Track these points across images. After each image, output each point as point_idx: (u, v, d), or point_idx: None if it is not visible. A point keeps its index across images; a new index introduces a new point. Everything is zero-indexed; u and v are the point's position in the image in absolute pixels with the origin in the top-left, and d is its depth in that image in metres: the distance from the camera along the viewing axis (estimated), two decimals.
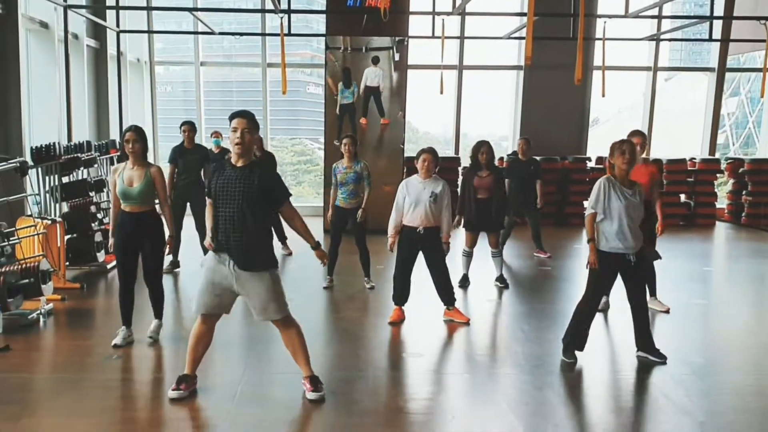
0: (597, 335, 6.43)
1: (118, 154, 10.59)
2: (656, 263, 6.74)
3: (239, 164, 4.32)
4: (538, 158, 9.81)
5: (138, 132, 5.58)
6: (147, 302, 5.92)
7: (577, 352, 5.43)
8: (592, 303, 5.44)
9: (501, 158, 13.69)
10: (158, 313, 5.90)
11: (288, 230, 6.06)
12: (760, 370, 5.51)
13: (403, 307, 6.57)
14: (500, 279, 8.00)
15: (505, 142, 14.81)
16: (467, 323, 6.45)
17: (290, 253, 9.54)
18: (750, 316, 7.21)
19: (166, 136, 14.73)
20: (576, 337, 5.43)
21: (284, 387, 4.84)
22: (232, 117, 4.28)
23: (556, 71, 12.66)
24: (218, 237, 4.36)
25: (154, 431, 4.22)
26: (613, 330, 6.46)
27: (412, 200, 6.23)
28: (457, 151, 13.93)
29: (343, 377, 5.05)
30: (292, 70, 14.64)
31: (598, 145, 13.95)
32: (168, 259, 7.90)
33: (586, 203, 12.79)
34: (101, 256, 8.50)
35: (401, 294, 6.54)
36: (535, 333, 6.26)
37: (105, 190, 9.26)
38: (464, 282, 7.92)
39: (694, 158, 13.84)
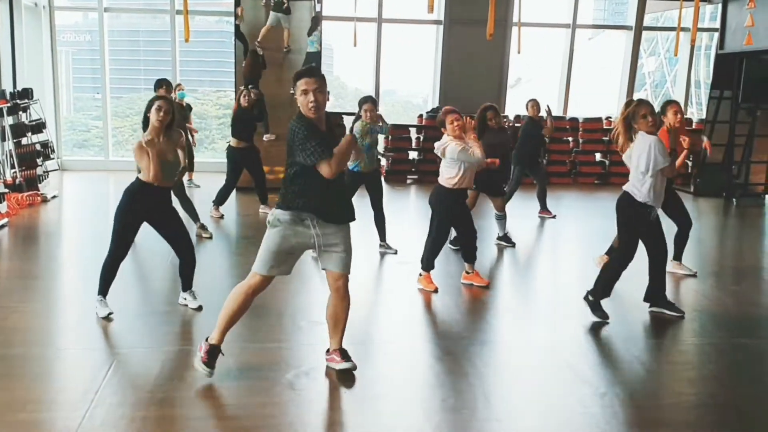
0: (517, 303, 6.30)
1: (8, 105, 9.91)
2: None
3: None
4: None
5: (170, 102, 5.13)
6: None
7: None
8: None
9: (420, 115, 13.45)
10: (190, 284, 5.47)
11: None
12: (669, 335, 5.44)
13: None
14: (505, 238, 7.96)
15: (416, 98, 14.54)
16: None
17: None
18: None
19: (70, 86, 13.93)
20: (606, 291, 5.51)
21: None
22: (301, 76, 3.96)
23: (475, 27, 12.35)
24: (300, 198, 4.03)
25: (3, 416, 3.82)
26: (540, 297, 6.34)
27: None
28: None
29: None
30: (205, 18, 14.01)
31: (517, 105, 13.82)
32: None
33: None
34: None
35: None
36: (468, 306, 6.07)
37: None
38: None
39: (610, 117, 13.87)
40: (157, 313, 5.46)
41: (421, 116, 13.40)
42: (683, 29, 11.21)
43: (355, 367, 4.34)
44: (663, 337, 5.39)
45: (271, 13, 11.54)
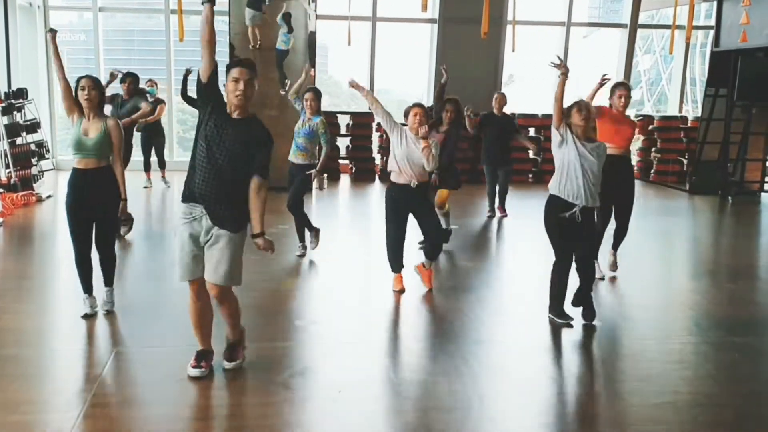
0: (511, 303, 6.30)
1: (3, 105, 9.89)
2: None
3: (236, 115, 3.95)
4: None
5: (94, 80, 5.07)
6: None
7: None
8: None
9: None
10: (110, 280, 5.33)
11: None
12: (664, 334, 5.44)
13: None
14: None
15: (411, 97, 14.49)
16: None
17: None
18: (655, 276, 7.20)
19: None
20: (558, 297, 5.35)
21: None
22: (236, 65, 3.91)
23: (469, 25, 12.32)
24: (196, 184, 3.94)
25: None
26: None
27: (403, 152, 5.73)
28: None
29: None
30: (199, 17, 13.96)
31: (512, 103, 13.78)
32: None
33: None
34: None
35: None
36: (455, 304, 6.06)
37: None
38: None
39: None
40: (151, 311, 5.44)
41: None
42: (678, 27, 11.20)
43: (240, 367, 4.30)
44: (658, 336, 5.38)
45: (247, 10, 11.28)
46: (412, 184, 5.75)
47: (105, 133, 5.02)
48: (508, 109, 13.47)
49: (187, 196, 3.98)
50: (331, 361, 4.67)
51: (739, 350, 5.06)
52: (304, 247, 7.19)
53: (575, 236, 5.19)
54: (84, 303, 5.19)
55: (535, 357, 4.86)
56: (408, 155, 5.70)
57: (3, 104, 9.85)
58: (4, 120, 9.96)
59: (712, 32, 13.13)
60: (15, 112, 10.38)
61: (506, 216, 9.47)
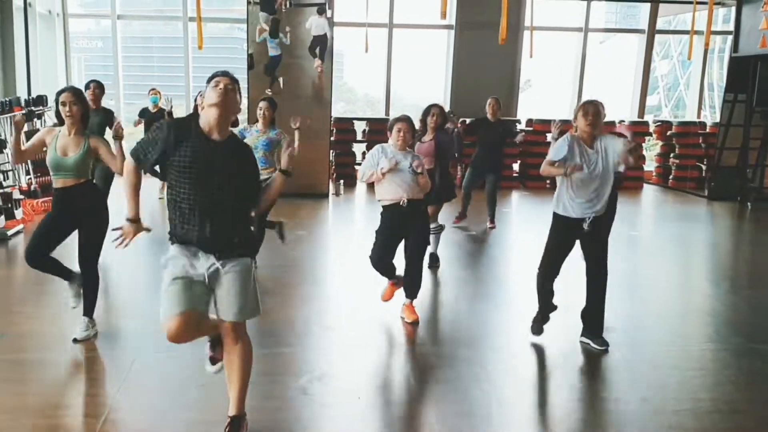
0: (530, 309, 6.29)
1: (24, 112, 9.98)
2: None
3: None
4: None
5: (75, 93, 4.70)
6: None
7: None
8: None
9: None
10: (90, 309, 4.97)
11: None
12: (683, 341, 5.41)
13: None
14: (432, 257, 7.00)
15: (427, 103, 14.48)
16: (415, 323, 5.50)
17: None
18: (674, 282, 7.16)
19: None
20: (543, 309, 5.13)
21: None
22: (213, 77, 3.40)
23: (486, 31, 12.32)
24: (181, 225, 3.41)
25: (20, 420, 3.84)
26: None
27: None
28: (387, 112, 13.59)
29: None
30: (218, 25, 14.08)
31: (529, 108, 13.81)
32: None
33: (516, 166, 12.71)
34: (1, 221, 7.97)
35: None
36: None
37: (5, 151, 8.66)
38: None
39: (623, 120, 13.81)
40: None
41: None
42: (696, 32, 11.14)
43: None
44: (677, 342, 5.35)
45: (261, 14, 11.38)
46: (401, 203, 5.26)
47: (86, 152, 4.71)
48: (523, 115, 13.59)
49: (182, 240, 3.44)
50: (349, 367, 4.68)
51: (759, 357, 5.02)
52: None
53: (586, 240, 4.96)
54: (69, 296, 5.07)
55: (553, 363, 4.85)
56: (393, 173, 5.20)
57: (23, 111, 9.94)
58: (25, 127, 10.04)
59: (730, 37, 13.04)
60: (35, 119, 10.48)
61: (494, 227, 9.05)
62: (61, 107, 4.66)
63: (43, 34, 12.62)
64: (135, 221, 3.75)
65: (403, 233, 5.42)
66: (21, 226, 8.26)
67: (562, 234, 4.93)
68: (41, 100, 10.63)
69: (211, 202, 3.33)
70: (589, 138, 4.80)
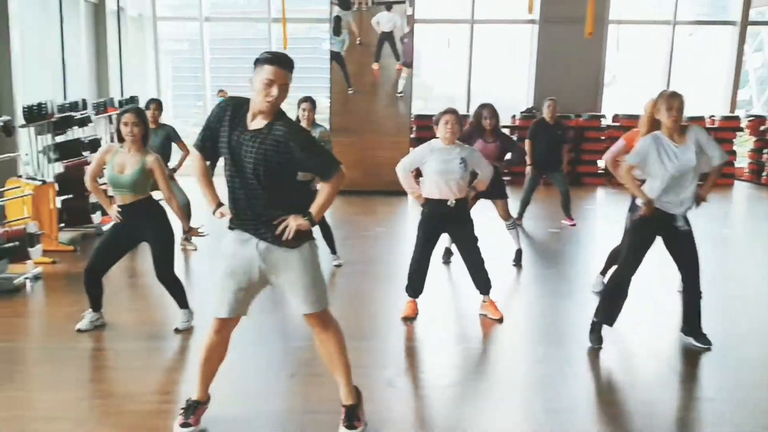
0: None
1: (118, 112, 10.36)
2: None
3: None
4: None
5: (139, 114, 4.76)
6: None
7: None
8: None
9: (513, 116, 13.34)
10: (184, 303, 5.15)
11: None
12: None
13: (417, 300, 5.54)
14: (517, 255, 7.02)
15: (509, 99, 14.29)
16: (500, 320, 5.40)
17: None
18: (763, 287, 6.86)
19: (172, 94, 14.48)
20: (606, 313, 4.85)
21: None
22: (270, 63, 3.16)
23: (571, 25, 12.13)
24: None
25: (126, 406, 3.98)
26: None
27: (436, 167, 5.18)
28: (468, 110, 13.54)
29: None
30: (302, 25, 14.29)
31: (614, 103, 13.50)
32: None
33: (600, 162, 12.42)
34: (97, 217, 8.29)
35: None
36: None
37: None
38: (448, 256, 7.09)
39: (714, 116, 13.36)
40: (270, 312, 5.54)
41: (514, 116, 13.30)
42: None
43: None
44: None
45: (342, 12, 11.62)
46: (449, 203, 5.19)
47: (142, 171, 4.78)
48: (609, 110, 13.31)
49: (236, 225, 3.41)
50: (433, 360, 4.73)
51: None
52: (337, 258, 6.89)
53: (678, 250, 4.79)
54: (83, 316, 5.10)
55: (642, 362, 4.74)
56: (442, 169, 5.14)
57: (117, 111, 10.31)
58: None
59: None
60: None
61: (575, 225, 8.98)
62: (123, 127, 4.72)
63: (134, 36, 13.09)
64: (219, 205, 3.51)
65: (444, 229, 5.42)
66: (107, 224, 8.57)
67: (649, 229, 4.76)
68: (132, 101, 11.03)
69: (249, 189, 3.26)
70: (674, 132, 4.59)
